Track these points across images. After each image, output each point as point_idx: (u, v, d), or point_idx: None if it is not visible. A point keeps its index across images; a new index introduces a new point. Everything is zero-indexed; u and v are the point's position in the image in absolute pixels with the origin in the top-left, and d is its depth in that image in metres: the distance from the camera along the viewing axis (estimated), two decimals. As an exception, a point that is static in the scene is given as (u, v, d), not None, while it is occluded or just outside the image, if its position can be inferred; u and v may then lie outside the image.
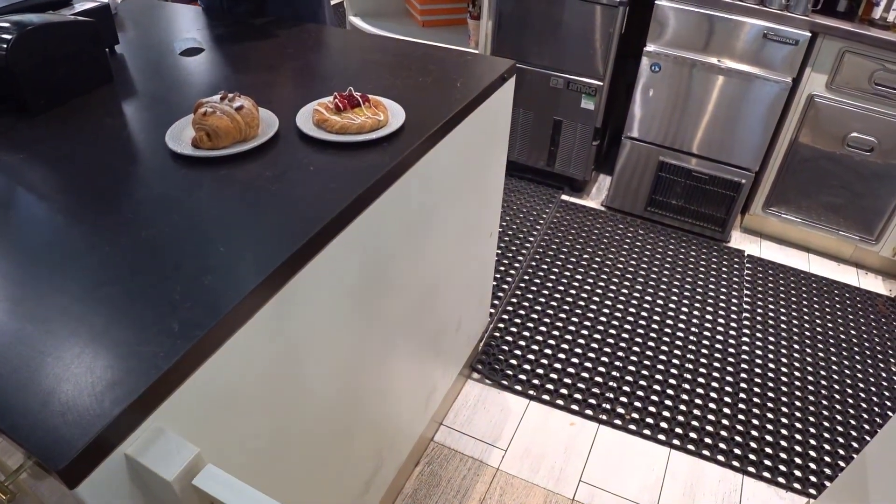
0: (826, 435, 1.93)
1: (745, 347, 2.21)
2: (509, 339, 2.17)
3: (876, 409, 2.03)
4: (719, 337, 2.25)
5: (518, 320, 2.25)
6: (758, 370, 2.13)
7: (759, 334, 2.28)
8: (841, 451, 1.88)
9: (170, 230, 0.89)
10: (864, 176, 2.44)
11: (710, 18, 2.33)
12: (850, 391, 2.08)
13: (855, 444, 1.90)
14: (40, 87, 1.18)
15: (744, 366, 2.14)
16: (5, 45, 1.11)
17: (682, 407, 1.98)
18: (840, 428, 1.96)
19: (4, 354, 0.69)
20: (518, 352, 2.13)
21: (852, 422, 1.98)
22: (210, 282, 0.80)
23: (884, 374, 2.16)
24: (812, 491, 1.77)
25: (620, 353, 2.15)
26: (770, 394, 2.04)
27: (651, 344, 2.19)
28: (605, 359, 2.12)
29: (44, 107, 1.19)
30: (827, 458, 1.86)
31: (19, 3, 1.31)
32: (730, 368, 2.12)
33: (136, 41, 1.56)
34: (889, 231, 2.52)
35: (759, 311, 2.39)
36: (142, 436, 0.67)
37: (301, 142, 1.12)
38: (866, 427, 1.96)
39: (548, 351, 2.13)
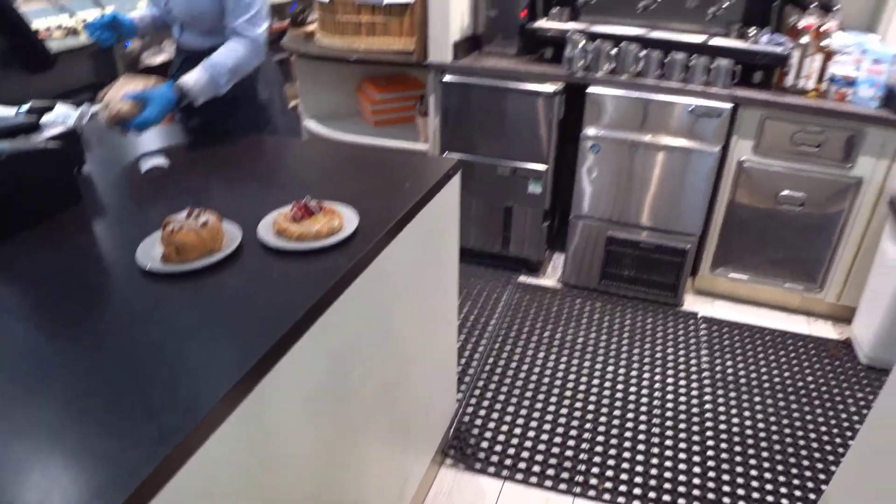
0: (795, 481, 1.99)
1: (707, 405, 2.29)
2: (478, 422, 2.21)
3: (840, 449, 2.10)
4: (682, 398, 2.32)
5: (486, 403, 2.29)
6: (722, 426, 2.19)
7: (720, 391, 2.36)
8: (812, 496, 1.94)
9: (144, 342, 0.96)
10: (799, 229, 2.61)
11: (640, 101, 2.52)
12: (812, 435, 2.16)
13: (824, 487, 1.95)
14: (11, 212, 1.24)
15: (708, 423, 2.21)
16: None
17: (654, 471, 2.02)
18: (808, 472, 2.02)
19: (-6, 475, 0.74)
20: (488, 434, 2.16)
21: (818, 465, 2.05)
22: (185, 389, 0.86)
23: (843, 416, 2.24)
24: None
25: (588, 426, 2.19)
26: (737, 448, 2.11)
27: (617, 413, 2.25)
28: (573, 432, 2.17)
29: (14, 230, 1.24)
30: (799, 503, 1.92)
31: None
32: (695, 428, 2.19)
33: (102, 159, 1.64)
34: (830, 277, 2.67)
35: (717, 368, 2.48)
36: (129, 540, 0.72)
37: (263, 251, 1.20)
38: (833, 469, 2.02)
39: (517, 431, 2.17)
